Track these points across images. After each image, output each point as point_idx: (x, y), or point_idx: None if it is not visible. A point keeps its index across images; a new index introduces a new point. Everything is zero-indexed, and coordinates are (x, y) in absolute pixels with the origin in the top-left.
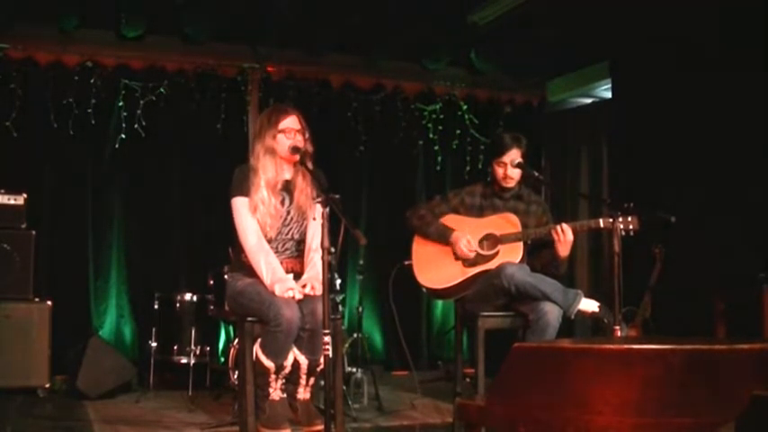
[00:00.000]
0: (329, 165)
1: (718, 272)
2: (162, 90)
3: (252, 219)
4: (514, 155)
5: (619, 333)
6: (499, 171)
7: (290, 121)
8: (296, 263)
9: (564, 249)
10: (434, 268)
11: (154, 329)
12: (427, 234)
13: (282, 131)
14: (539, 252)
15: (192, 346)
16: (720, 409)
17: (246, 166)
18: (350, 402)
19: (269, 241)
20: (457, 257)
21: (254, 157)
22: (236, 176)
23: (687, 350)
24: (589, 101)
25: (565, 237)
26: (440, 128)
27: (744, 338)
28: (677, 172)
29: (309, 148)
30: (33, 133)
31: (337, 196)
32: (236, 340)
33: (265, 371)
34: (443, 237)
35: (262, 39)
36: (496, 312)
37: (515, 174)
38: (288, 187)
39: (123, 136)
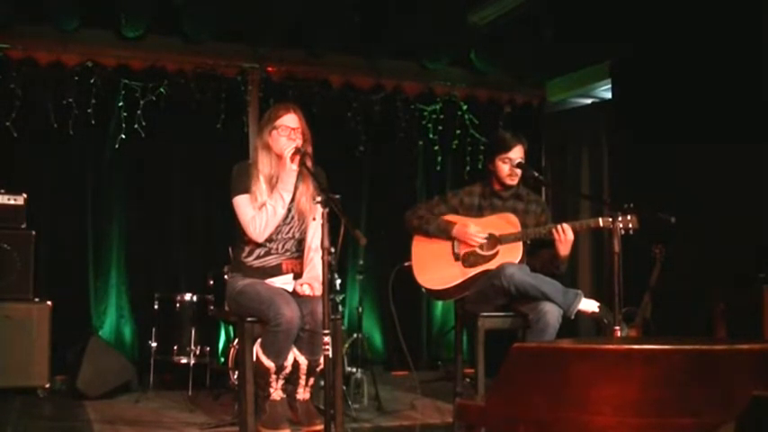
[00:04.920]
0: (329, 165)
1: (718, 272)
2: (162, 90)
3: (254, 211)
4: (519, 151)
5: (619, 333)
6: (504, 168)
7: (287, 119)
8: (296, 264)
9: (564, 249)
10: (434, 269)
11: (154, 329)
12: (427, 231)
13: (277, 128)
14: (538, 252)
15: (192, 346)
16: (720, 409)
17: (246, 163)
18: (350, 402)
19: (269, 241)
20: (457, 258)
21: (253, 152)
22: (234, 174)
23: (687, 350)
24: (589, 101)
25: (565, 236)
26: (440, 128)
27: (744, 338)
28: (677, 172)
29: (308, 148)
30: (33, 133)
31: (337, 196)
32: (236, 340)
33: (266, 371)
34: (445, 232)
35: (262, 39)
36: (496, 312)
37: (518, 171)
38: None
39: (123, 136)
